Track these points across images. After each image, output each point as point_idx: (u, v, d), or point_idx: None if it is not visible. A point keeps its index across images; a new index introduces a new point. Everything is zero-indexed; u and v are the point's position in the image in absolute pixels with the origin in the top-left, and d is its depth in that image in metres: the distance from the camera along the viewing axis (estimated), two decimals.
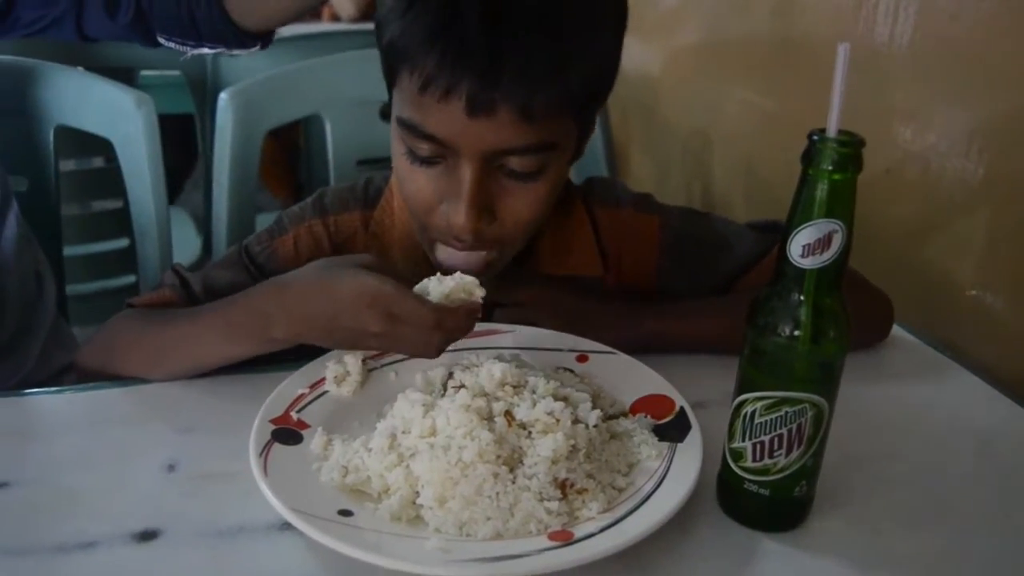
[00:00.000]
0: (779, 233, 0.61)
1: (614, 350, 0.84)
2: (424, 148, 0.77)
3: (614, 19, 0.79)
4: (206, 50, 1.01)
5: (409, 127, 0.76)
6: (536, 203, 0.80)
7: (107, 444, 0.76)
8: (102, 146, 1.33)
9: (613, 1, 0.79)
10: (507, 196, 0.79)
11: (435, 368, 0.78)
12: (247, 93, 1.28)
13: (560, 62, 0.73)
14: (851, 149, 0.57)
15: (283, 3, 0.91)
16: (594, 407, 0.72)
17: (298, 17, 0.92)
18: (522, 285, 0.91)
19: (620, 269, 0.95)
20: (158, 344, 0.84)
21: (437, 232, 0.82)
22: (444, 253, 0.83)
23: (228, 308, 0.80)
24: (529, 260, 0.91)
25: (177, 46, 1.02)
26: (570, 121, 0.79)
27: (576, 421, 0.69)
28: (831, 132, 0.57)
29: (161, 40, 1.02)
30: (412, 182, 0.80)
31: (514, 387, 0.71)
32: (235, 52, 1.02)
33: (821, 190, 0.57)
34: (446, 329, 0.71)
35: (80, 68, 1.38)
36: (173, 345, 0.83)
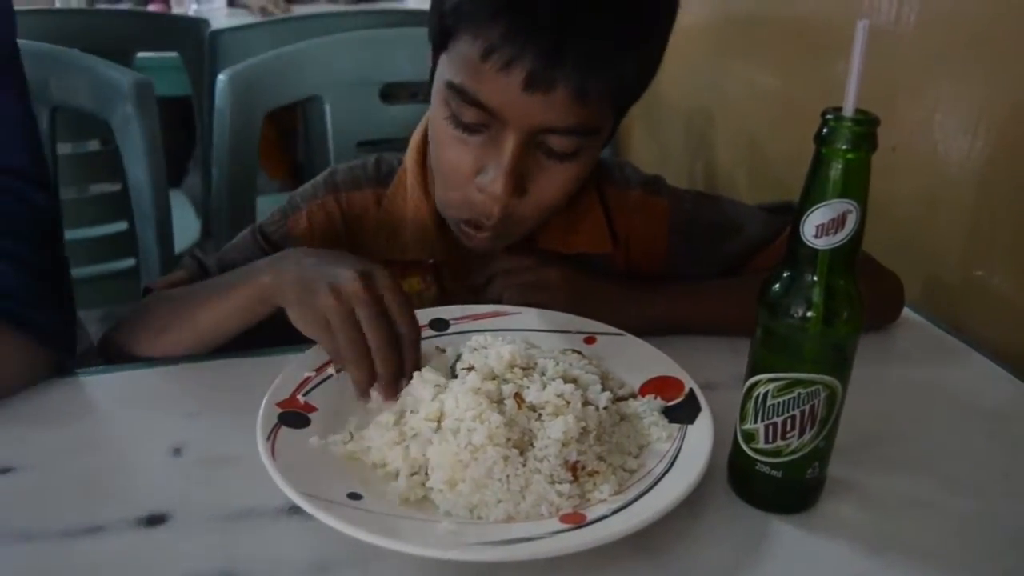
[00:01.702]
0: (791, 214, 0.60)
1: (621, 331, 0.83)
2: (470, 115, 0.77)
3: (667, 14, 0.80)
4: None
5: (459, 92, 0.76)
6: (566, 184, 0.81)
7: (113, 428, 0.76)
8: (98, 129, 1.32)
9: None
10: (540, 174, 0.80)
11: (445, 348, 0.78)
12: (246, 75, 1.27)
13: (620, 49, 0.74)
14: (866, 128, 0.56)
15: None
16: (603, 389, 0.72)
17: None
18: (535, 264, 0.90)
19: (629, 250, 0.95)
20: (161, 315, 0.85)
21: (463, 206, 0.83)
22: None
23: (229, 273, 0.82)
24: (538, 237, 0.90)
25: None
26: (614, 109, 0.80)
27: (586, 403, 0.69)
28: (848, 111, 0.56)
29: None
30: (451, 148, 0.80)
31: (523, 369, 0.71)
32: None
33: (835, 170, 0.57)
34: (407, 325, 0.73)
35: (76, 50, 1.37)
36: (174, 314, 0.84)
